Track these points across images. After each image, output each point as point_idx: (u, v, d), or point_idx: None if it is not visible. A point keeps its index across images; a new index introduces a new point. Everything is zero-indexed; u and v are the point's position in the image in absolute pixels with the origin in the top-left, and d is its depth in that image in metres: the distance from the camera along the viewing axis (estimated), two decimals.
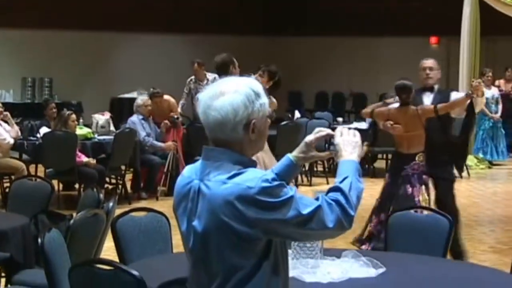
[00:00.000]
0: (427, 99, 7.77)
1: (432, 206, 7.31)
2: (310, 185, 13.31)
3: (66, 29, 18.37)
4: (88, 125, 12.45)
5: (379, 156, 15.12)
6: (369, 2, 21.07)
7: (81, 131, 11.73)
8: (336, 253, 4.55)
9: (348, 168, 3.04)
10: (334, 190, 2.96)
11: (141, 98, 12.51)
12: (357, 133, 3.18)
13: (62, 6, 18.33)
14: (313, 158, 3.28)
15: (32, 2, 17.95)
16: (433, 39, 21.62)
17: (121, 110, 17.46)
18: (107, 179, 11.90)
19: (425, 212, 5.76)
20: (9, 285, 5.97)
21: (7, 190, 10.22)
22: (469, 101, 7.62)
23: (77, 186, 11.77)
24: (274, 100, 7.37)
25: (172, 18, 20.17)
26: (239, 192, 2.84)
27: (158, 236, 5.23)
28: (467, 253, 7.77)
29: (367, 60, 21.88)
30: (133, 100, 13.27)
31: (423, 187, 7.62)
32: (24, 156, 11.79)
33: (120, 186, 11.80)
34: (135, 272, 3.84)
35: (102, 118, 12.51)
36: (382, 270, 4.36)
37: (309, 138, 3.25)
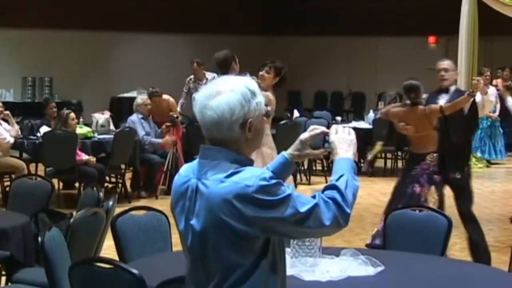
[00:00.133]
0: (442, 100, 7.70)
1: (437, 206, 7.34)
2: (309, 184, 13.33)
3: (66, 28, 18.39)
4: (88, 124, 12.47)
5: (377, 155, 15.12)
6: (368, 2, 21.08)
7: (81, 130, 11.75)
8: (335, 252, 4.56)
9: (344, 166, 3.05)
10: (331, 188, 2.97)
11: (141, 98, 12.52)
12: (352, 131, 3.19)
13: (62, 6, 18.35)
14: (308, 155, 3.30)
15: (32, 2, 17.96)
16: (431, 39, 21.64)
17: (121, 109, 17.48)
18: (107, 178, 11.91)
19: (424, 211, 5.77)
20: (9, 284, 5.97)
21: (7, 189, 10.24)
22: (471, 100, 7.60)
23: (77, 185, 11.79)
24: (271, 96, 7.35)
25: (172, 18, 20.18)
26: (237, 191, 2.85)
27: (157, 234, 5.24)
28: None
29: (365, 60, 21.90)
30: (133, 99, 13.28)
31: (433, 187, 7.65)
32: (25, 155, 11.80)
33: (120, 185, 11.82)
34: (134, 271, 3.84)
35: (102, 117, 12.53)
36: (380, 268, 4.36)
37: (304, 136, 3.27)
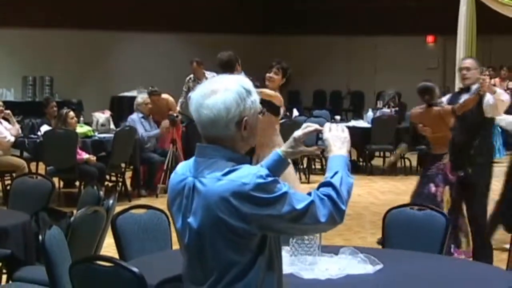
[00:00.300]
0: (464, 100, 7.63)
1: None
2: (308, 182, 13.34)
3: (66, 28, 18.40)
4: (89, 123, 12.50)
5: (376, 154, 15.16)
6: (368, 2, 21.09)
7: (81, 129, 11.77)
8: (334, 250, 4.57)
9: (338, 163, 3.07)
10: (326, 185, 2.99)
11: (141, 97, 12.54)
12: (345, 129, 3.21)
13: (63, 6, 18.36)
14: (301, 153, 3.33)
15: (32, 2, 17.97)
16: (429, 38, 21.66)
17: (121, 108, 17.49)
18: (107, 177, 11.93)
19: (424, 209, 5.77)
20: (10, 282, 5.98)
21: (8, 187, 10.26)
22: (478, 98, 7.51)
23: (77, 183, 11.81)
24: (279, 95, 7.38)
25: (172, 18, 20.18)
26: (234, 189, 2.87)
27: (157, 233, 5.25)
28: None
29: (364, 59, 21.91)
30: (133, 98, 13.30)
31: (447, 187, 7.67)
32: (25, 154, 11.83)
33: (120, 184, 11.84)
34: (135, 269, 3.85)
35: (102, 116, 12.56)
36: (379, 266, 4.37)
37: (298, 133, 3.31)
